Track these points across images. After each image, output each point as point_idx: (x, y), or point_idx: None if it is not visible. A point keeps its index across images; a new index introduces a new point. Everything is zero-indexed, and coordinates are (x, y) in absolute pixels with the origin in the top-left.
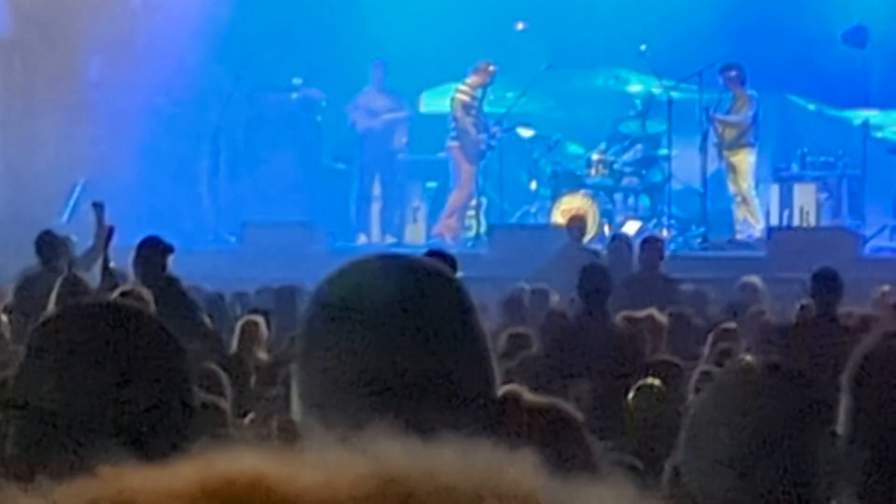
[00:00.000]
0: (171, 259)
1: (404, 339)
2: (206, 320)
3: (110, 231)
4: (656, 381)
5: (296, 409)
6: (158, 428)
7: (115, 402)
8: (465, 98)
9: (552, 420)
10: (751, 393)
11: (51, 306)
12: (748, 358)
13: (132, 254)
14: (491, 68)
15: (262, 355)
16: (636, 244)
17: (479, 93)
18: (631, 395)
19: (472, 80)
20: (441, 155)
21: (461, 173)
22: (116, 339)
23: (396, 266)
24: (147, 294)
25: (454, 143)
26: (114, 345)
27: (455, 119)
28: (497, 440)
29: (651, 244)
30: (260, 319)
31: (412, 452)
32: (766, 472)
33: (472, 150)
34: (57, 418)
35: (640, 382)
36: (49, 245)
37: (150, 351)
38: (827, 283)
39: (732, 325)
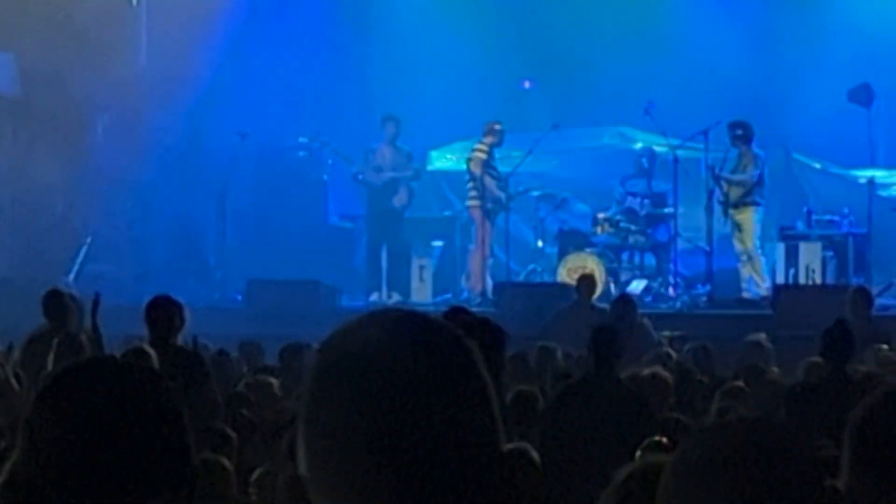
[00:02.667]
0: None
1: (410, 394)
2: (213, 378)
3: (97, 299)
4: (664, 440)
5: (302, 465)
6: (156, 487)
7: (110, 461)
8: (483, 156)
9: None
10: (729, 450)
11: (49, 367)
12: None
13: (143, 312)
14: (499, 127)
15: (268, 413)
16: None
17: (494, 152)
18: (638, 453)
19: (487, 139)
20: (447, 213)
21: (481, 232)
22: (112, 397)
23: (402, 321)
24: (151, 351)
25: (474, 203)
26: (110, 402)
27: (474, 178)
28: (505, 494)
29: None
30: (266, 377)
31: None
32: None
33: (491, 209)
34: (55, 474)
35: (648, 440)
36: (56, 304)
37: (145, 406)
38: (839, 340)
39: (739, 383)
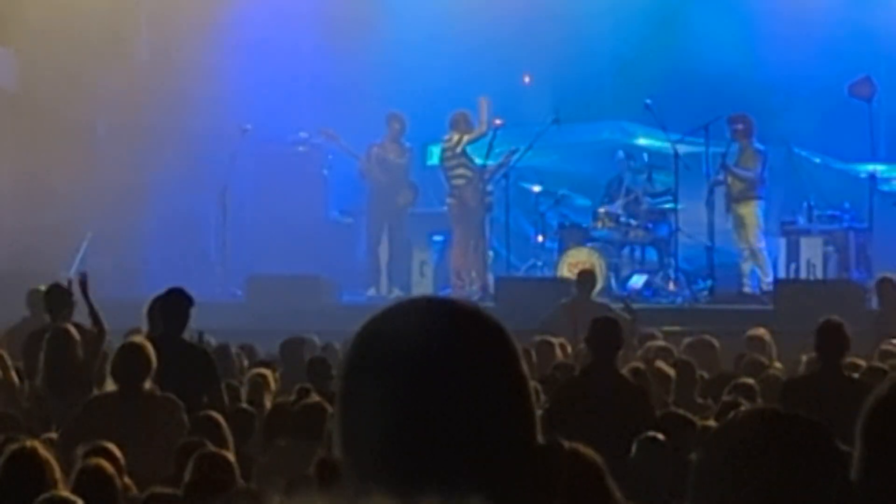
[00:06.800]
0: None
1: (447, 381)
2: (217, 373)
3: (84, 277)
4: (659, 435)
5: (336, 448)
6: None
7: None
8: (450, 153)
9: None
10: (756, 440)
11: (41, 362)
12: (749, 406)
13: (149, 303)
14: (459, 116)
15: (269, 406)
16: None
17: (463, 144)
18: (634, 448)
19: (451, 133)
20: (446, 208)
21: (457, 232)
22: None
23: (441, 309)
24: (148, 344)
25: (451, 200)
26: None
27: (448, 175)
28: (539, 488)
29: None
30: (268, 371)
31: None
32: None
33: (470, 204)
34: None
35: (643, 436)
36: (57, 299)
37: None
38: (831, 336)
39: (740, 378)
